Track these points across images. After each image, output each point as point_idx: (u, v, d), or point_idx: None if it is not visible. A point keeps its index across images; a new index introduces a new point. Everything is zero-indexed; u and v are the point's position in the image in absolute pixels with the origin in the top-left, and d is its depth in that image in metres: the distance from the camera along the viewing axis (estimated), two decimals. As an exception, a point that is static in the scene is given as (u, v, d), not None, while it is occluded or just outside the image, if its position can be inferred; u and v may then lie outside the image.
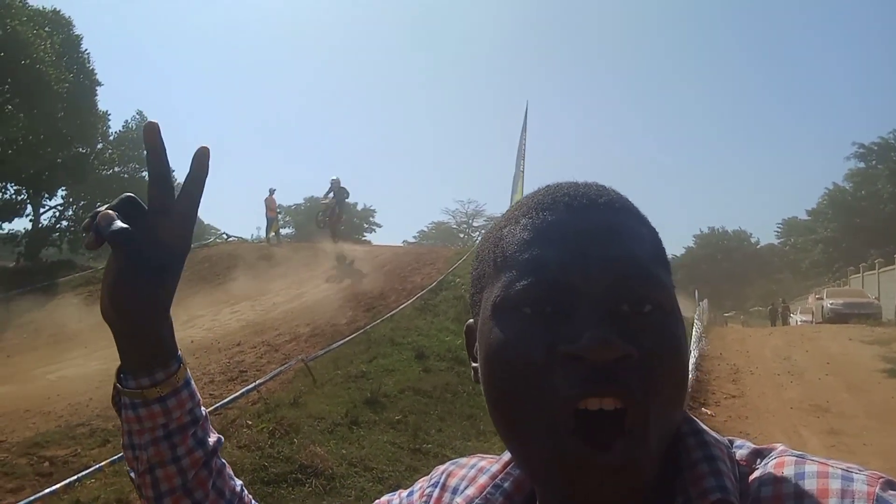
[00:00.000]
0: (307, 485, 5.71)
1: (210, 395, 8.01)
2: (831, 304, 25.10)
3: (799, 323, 28.51)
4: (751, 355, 14.09)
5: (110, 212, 0.73)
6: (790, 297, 40.43)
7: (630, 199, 0.68)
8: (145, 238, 0.73)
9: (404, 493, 0.83)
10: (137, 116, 31.41)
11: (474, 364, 0.68)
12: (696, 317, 17.52)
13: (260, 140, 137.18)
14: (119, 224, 0.72)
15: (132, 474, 0.80)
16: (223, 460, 0.85)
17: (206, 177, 0.78)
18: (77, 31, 25.77)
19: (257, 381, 7.74)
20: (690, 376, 9.50)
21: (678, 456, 0.62)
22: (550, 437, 0.57)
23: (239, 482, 0.87)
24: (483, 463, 0.76)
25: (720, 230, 65.41)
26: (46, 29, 23.17)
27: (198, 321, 14.05)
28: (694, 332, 14.70)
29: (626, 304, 0.58)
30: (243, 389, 7.47)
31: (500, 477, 0.72)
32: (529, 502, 0.70)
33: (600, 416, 0.56)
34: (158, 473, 0.78)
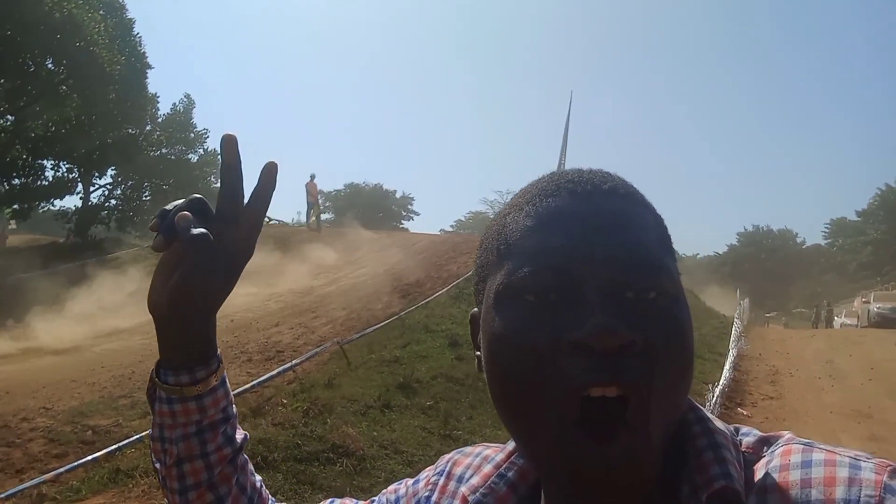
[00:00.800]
0: (338, 464, 5.80)
1: (248, 372, 8.20)
2: (878, 308, 24.32)
3: (843, 326, 27.70)
4: (791, 357, 13.77)
5: (188, 213, 0.72)
6: (835, 299, 39.28)
7: (635, 186, 0.66)
8: (216, 244, 0.73)
9: (410, 481, 0.83)
10: (185, 99, 32.00)
11: (477, 353, 0.67)
12: (736, 316, 17.17)
13: (303, 125, 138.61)
14: (200, 228, 0.71)
15: (157, 465, 0.81)
16: (246, 457, 0.86)
17: (274, 190, 0.78)
18: (129, 15, 26.37)
19: (293, 362, 7.88)
20: (728, 375, 9.36)
21: (683, 444, 0.61)
22: (554, 426, 0.56)
23: (259, 478, 0.89)
24: (488, 452, 0.77)
25: (765, 228, 63.74)
26: (101, 12, 23.73)
27: (237, 301, 14.35)
28: (734, 332, 14.42)
29: (631, 291, 0.57)
30: (279, 368, 7.62)
31: (504, 466, 0.72)
32: (533, 492, 0.70)
33: (603, 403, 0.55)
34: (186, 467, 0.79)
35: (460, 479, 0.76)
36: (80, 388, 7.74)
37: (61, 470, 5.21)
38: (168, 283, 0.73)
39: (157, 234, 0.72)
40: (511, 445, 0.73)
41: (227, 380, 0.83)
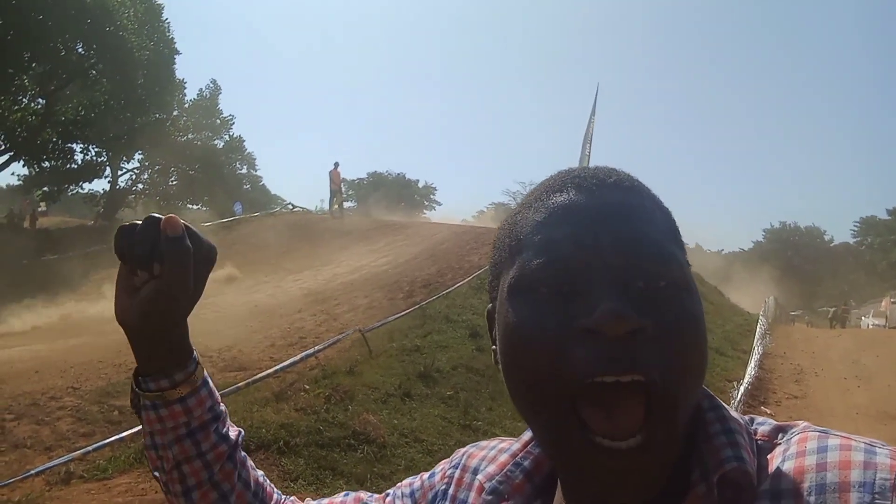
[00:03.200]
0: (359, 451, 5.85)
1: (271, 357, 8.28)
2: (908, 308, 23.88)
3: (870, 326, 27.23)
4: (816, 356, 13.58)
5: (180, 222, 0.72)
6: (862, 299, 38.67)
7: (642, 181, 0.67)
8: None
9: (426, 475, 0.84)
10: (211, 85, 32.27)
11: (494, 347, 0.68)
12: (761, 313, 16.95)
13: (327, 113, 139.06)
14: (187, 241, 0.72)
15: (157, 474, 0.82)
16: (244, 453, 0.87)
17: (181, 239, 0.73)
18: (158, 1, 26.62)
19: (316, 348, 7.93)
20: (752, 373, 9.23)
21: (697, 430, 0.62)
22: (566, 413, 0.57)
23: (261, 472, 0.90)
24: (503, 444, 0.78)
25: (792, 225, 62.75)
26: (130, -2, 23.99)
27: (262, 287, 14.50)
28: (758, 329, 14.24)
29: (641, 280, 0.58)
30: (302, 354, 7.67)
31: (520, 455, 0.73)
32: (549, 480, 0.71)
33: (616, 390, 0.55)
34: (185, 469, 0.80)
35: (476, 471, 0.77)
36: (106, 369, 7.87)
37: (89, 449, 5.31)
38: (136, 295, 0.73)
39: (135, 252, 0.71)
40: (527, 436, 0.74)
41: (210, 380, 0.83)
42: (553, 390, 0.58)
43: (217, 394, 0.84)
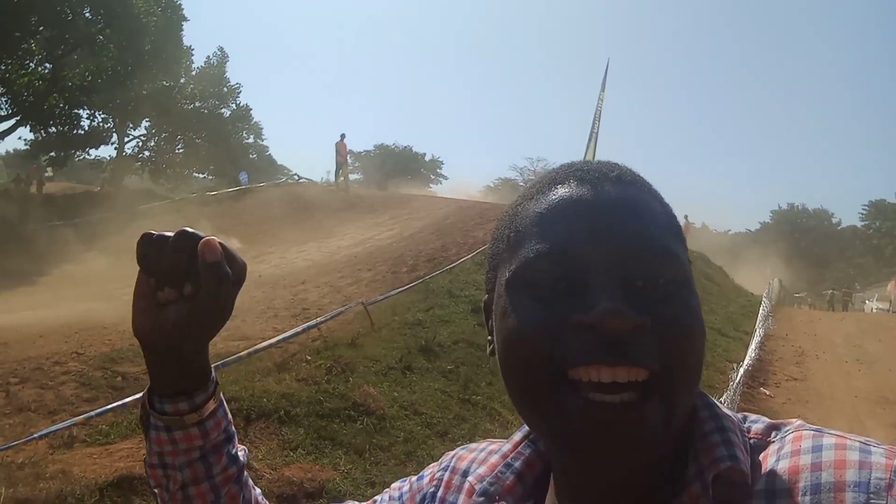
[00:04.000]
0: (359, 422, 5.90)
1: (273, 328, 8.33)
2: (913, 293, 23.81)
3: (874, 310, 27.18)
4: (819, 339, 13.58)
5: (218, 245, 0.68)
6: (868, 283, 38.51)
7: (643, 176, 0.67)
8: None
9: (414, 478, 0.84)
10: (219, 52, 32.01)
11: (489, 337, 0.68)
12: (764, 295, 16.92)
13: (334, 84, 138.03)
14: (227, 267, 0.68)
15: (156, 490, 0.78)
16: (246, 473, 0.84)
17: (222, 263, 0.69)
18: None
19: (318, 319, 7.96)
20: (753, 355, 9.23)
21: (691, 428, 0.62)
22: (565, 408, 0.57)
23: (258, 490, 0.87)
24: (493, 446, 0.77)
25: (800, 207, 62.35)
26: (138, -38, 23.70)
27: (266, 257, 14.54)
28: (761, 311, 14.23)
29: (640, 277, 0.58)
30: (304, 325, 7.71)
31: (511, 456, 0.72)
32: (540, 481, 0.70)
33: (614, 386, 0.56)
34: (191, 491, 0.77)
35: (465, 473, 0.77)
36: (110, 335, 7.93)
37: (92, 414, 5.35)
38: (160, 312, 0.69)
39: (164, 267, 0.68)
40: (518, 436, 0.74)
41: (224, 400, 0.80)
42: (548, 386, 0.58)
43: (230, 414, 0.81)
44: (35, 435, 5.00)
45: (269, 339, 7.31)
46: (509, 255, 0.63)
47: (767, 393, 9.26)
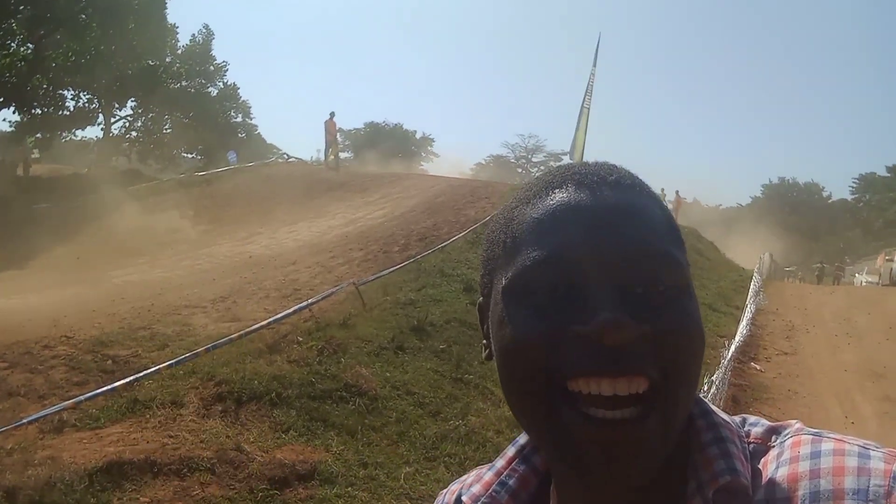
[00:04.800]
0: (351, 403, 5.90)
1: (265, 309, 8.28)
2: (902, 266, 24.02)
3: (864, 284, 27.41)
4: (809, 313, 13.68)
5: None
6: (857, 256, 38.83)
7: (641, 177, 0.66)
8: None
9: None
10: (204, 30, 31.55)
11: (484, 341, 0.68)
12: (755, 270, 16.99)
13: (324, 62, 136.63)
14: None
15: None
16: None
17: None
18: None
19: (310, 300, 7.92)
20: (745, 332, 9.27)
21: (688, 438, 0.61)
22: (564, 423, 0.56)
23: None
24: (482, 469, 0.76)
25: (790, 181, 62.51)
26: (119, -62, 23.20)
27: (256, 238, 14.45)
28: (752, 286, 14.29)
29: (639, 285, 0.57)
30: (296, 307, 7.67)
31: (504, 474, 0.71)
32: (534, 499, 0.70)
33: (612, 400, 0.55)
34: None
35: (459, 498, 0.75)
36: (100, 319, 7.87)
37: (82, 398, 5.32)
38: None
39: None
40: (511, 451, 0.73)
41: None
42: (547, 397, 0.57)
43: None
44: (25, 420, 4.97)
45: (261, 320, 7.27)
46: (505, 262, 0.62)
47: (758, 368, 9.33)
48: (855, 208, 58.52)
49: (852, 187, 59.08)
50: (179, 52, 30.66)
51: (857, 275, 31.61)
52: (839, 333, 11.79)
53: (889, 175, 50.66)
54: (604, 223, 0.59)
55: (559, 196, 0.62)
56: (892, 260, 25.62)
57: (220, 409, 5.42)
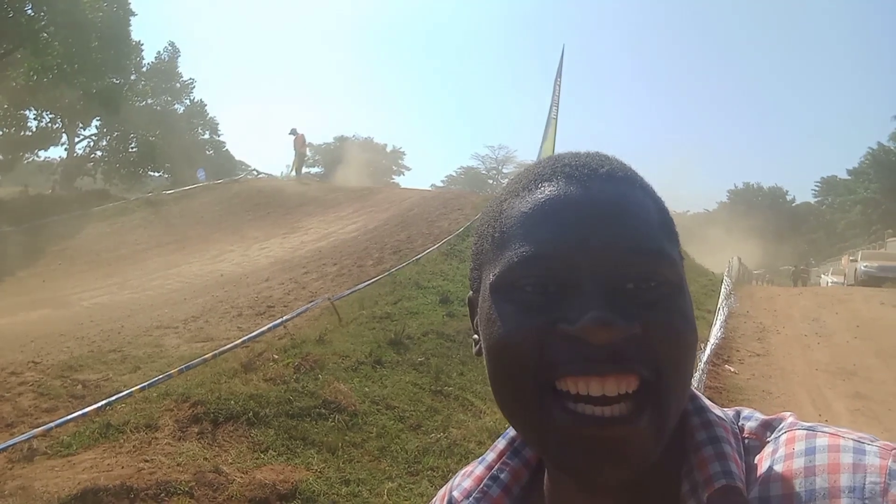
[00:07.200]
0: (330, 419, 5.82)
1: (238, 327, 8.17)
2: (865, 266, 24.59)
3: (830, 284, 28.01)
4: (779, 315, 13.91)
5: None
6: (822, 257, 39.76)
7: (634, 169, 0.64)
8: None
9: None
10: (170, 48, 31.28)
11: (475, 336, 0.66)
12: (725, 274, 17.26)
13: (293, 76, 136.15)
14: None
15: None
16: None
17: None
18: (111, -41, 25.42)
19: (284, 317, 7.84)
20: (718, 334, 9.41)
21: (682, 436, 0.61)
22: (553, 421, 0.55)
23: None
24: (470, 466, 0.75)
25: (755, 186, 63.84)
26: (81, -45, 22.91)
27: (228, 255, 14.27)
28: (723, 289, 14.51)
29: (631, 281, 0.56)
30: (271, 324, 7.58)
31: (496, 468, 0.70)
32: (526, 492, 0.69)
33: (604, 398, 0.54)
34: None
35: (451, 499, 0.74)
36: (68, 342, 7.68)
37: (52, 425, 5.17)
38: None
39: None
40: (502, 444, 0.72)
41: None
42: (535, 395, 0.56)
43: None
44: (-8, 450, 4.81)
45: (234, 339, 7.17)
46: (494, 257, 0.61)
47: (732, 370, 9.45)
48: (818, 211, 59.95)
49: (815, 190, 60.63)
50: (144, 69, 30.33)
51: (822, 276, 32.27)
52: (809, 333, 12.01)
53: (850, 178, 51.99)
54: (594, 218, 0.57)
55: (549, 189, 0.60)
56: (856, 260, 26.20)
57: (196, 430, 5.30)
